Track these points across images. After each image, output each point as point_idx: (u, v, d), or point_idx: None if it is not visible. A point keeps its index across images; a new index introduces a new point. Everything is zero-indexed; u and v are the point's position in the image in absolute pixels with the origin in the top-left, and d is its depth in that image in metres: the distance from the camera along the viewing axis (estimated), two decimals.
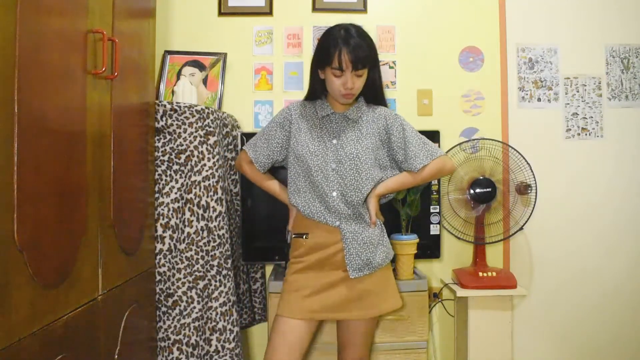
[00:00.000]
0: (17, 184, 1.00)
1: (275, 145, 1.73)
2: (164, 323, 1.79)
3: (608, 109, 2.50)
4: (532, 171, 2.26)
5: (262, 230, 2.16)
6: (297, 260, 1.66)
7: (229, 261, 1.89)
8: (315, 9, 2.42)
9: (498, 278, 2.16)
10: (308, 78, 1.76)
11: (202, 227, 1.83)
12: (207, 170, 1.85)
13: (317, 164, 1.64)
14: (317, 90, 1.73)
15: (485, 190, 2.20)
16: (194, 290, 1.81)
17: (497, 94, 2.48)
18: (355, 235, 1.62)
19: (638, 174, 2.50)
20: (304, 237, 1.66)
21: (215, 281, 1.84)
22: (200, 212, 1.83)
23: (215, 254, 1.84)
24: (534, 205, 2.27)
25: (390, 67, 2.45)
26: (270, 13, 2.42)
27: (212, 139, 1.87)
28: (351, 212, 1.63)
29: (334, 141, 1.67)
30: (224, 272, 1.86)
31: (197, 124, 1.85)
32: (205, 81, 2.33)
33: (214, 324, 1.83)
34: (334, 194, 1.62)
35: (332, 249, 1.63)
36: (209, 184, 1.85)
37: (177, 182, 1.82)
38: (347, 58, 1.56)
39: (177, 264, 1.80)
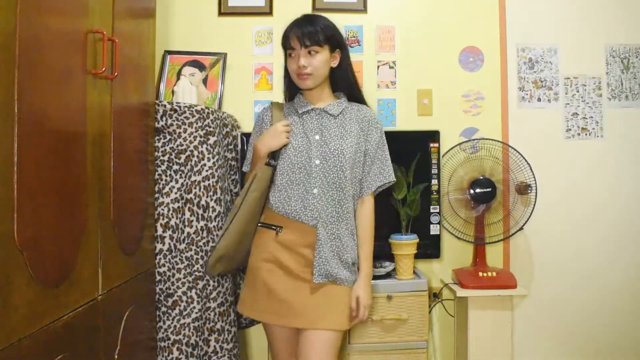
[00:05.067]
0: (17, 184, 1.00)
1: None
2: (164, 323, 1.79)
3: (608, 109, 2.50)
4: (532, 171, 2.26)
5: None
6: (260, 251, 1.62)
7: None
8: (315, 9, 2.42)
9: (498, 278, 2.16)
10: None
11: (201, 227, 1.83)
12: (207, 170, 1.85)
13: (301, 160, 1.61)
14: (291, 90, 1.75)
15: (485, 190, 2.20)
16: (193, 290, 1.81)
17: (497, 94, 2.47)
18: (329, 240, 1.57)
19: (638, 174, 2.50)
20: (277, 230, 1.61)
21: (214, 281, 1.85)
22: (200, 212, 1.83)
23: None
24: (534, 205, 2.27)
25: (390, 67, 2.45)
26: (270, 13, 2.42)
27: (212, 139, 1.87)
28: (331, 210, 1.59)
29: (317, 137, 1.64)
30: None
31: (197, 124, 1.85)
32: (205, 81, 2.33)
33: (212, 324, 1.83)
34: (315, 191, 1.58)
35: (300, 251, 1.58)
36: (209, 184, 1.85)
37: (177, 182, 1.82)
38: (294, 36, 1.61)
39: (177, 264, 1.80)
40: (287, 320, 1.58)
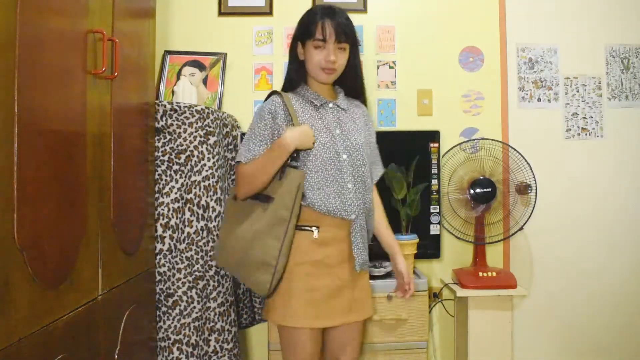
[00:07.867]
0: (17, 184, 1.00)
1: (270, 141, 1.55)
2: (164, 323, 1.79)
3: (608, 109, 2.50)
4: (532, 171, 2.27)
5: None
6: (295, 255, 1.53)
7: None
8: None
9: (498, 278, 2.17)
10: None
11: (201, 227, 1.83)
12: (207, 170, 1.85)
13: (330, 156, 1.56)
14: (294, 80, 1.65)
15: (485, 190, 2.20)
16: (194, 290, 1.81)
17: (497, 94, 2.48)
18: (360, 230, 1.59)
19: (638, 174, 2.50)
20: (315, 230, 1.55)
21: (214, 281, 1.85)
22: (200, 212, 1.83)
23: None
24: (534, 205, 2.27)
25: (390, 67, 2.45)
26: (270, 13, 2.42)
27: (212, 139, 1.87)
28: (361, 203, 1.59)
29: (337, 131, 1.60)
30: (222, 272, 1.86)
31: (197, 124, 1.85)
32: (205, 81, 2.33)
33: (212, 324, 1.83)
34: (349, 185, 1.57)
35: (338, 246, 1.57)
36: (209, 184, 1.85)
37: (177, 182, 1.82)
38: (330, 28, 1.53)
39: (177, 264, 1.80)
40: (340, 319, 1.56)
